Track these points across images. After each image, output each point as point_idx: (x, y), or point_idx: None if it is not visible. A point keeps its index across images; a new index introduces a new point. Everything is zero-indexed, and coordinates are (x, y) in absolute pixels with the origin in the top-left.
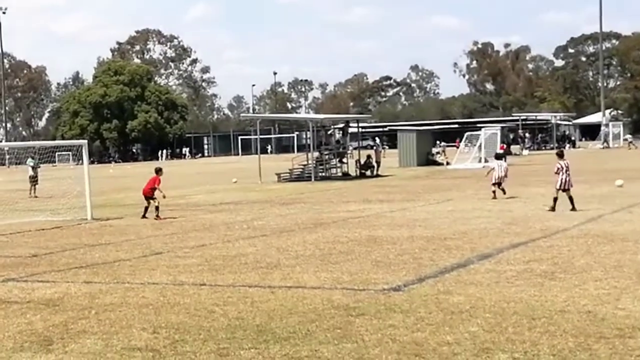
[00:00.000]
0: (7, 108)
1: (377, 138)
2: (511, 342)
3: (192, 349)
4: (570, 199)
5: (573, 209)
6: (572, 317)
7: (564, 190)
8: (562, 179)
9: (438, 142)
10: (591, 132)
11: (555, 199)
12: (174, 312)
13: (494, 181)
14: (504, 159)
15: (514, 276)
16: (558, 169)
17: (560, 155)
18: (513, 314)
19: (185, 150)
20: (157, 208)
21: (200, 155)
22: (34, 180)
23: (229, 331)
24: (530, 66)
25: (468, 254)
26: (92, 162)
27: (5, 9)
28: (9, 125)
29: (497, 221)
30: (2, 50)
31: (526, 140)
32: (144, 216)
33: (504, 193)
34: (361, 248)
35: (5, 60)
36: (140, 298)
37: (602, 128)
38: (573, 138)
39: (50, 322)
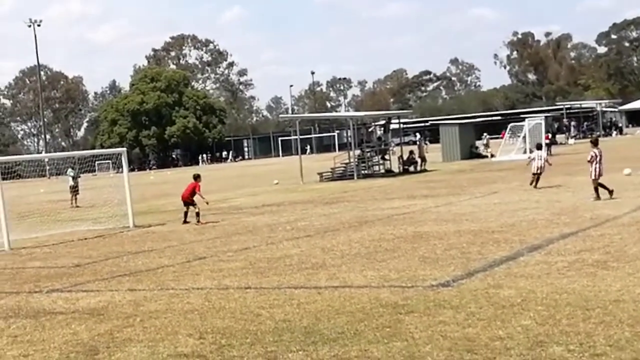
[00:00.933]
0: (45, 120)
1: (417, 134)
2: (565, 335)
3: (239, 353)
4: (596, 188)
5: (597, 197)
6: (628, 306)
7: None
8: (595, 167)
9: (484, 134)
10: (638, 118)
11: (597, 188)
12: (219, 317)
13: (533, 171)
14: (544, 149)
15: (565, 267)
16: (592, 157)
17: (595, 143)
18: (566, 306)
19: (229, 153)
20: (197, 214)
21: (240, 158)
22: (74, 190)
23: (276, 334)
24: (573, 54)
25: (517, 246)
26: (132, 170)
27: (40, 21)
28: (48, 136)
29: (545, 212)
30: (38, 62)
31: (572, 129)
32: (185, 222)
33: (535, 185)
34: (407, 245)
35: (42, 73)
36: (185, 304)
37: None
38: (620, 125)
39: (95, 331)
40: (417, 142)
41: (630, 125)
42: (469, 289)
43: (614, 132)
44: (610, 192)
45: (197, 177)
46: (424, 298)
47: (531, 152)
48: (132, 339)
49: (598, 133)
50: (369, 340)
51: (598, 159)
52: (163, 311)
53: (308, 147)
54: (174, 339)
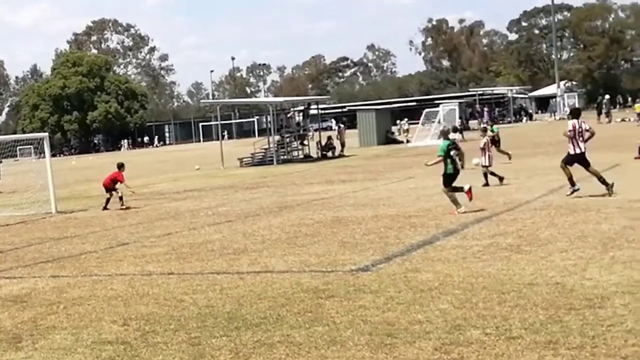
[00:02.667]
0: None
1: (333, 120)
2: (482, 318)
3: (163, 339)
4: (485, 175)
5: (486, 184)
6: (541, 289)
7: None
8: (488, 155)
9: (405, 120)
10: (547, 104)
11: (486, 175)
12: (143, 303)
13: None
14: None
15: (480, 251)
16: (484, 144)
17: (485, 132)
18: (482, 289)
19: (154, 139)
20: (120, 198)
21: (161, 143)
22: None
23: (200, 320)
24: (485, 41)
25: (433, 230)
26: (53, 155)
27: None
28: None
29: (460, 197)
30: None
31: (484, 114)
32: (105, 207)
33: None
34: (327, 229)
35: None
36: (108, 290)
37: (551, 101)
38: (530, 111)
39: (18, 319)
40: (337, 128)
41: (539, 112)
42: (387, 273)
43: (524, 118)
44: (501, 179)
45: (120, 167)
46: (344, 283)
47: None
48: (55, 326)
49: (513, 119)
50: (291, 325)
51: (488, 147)
52: (87, 298)
53: (226, 132)
54: (97, 326)
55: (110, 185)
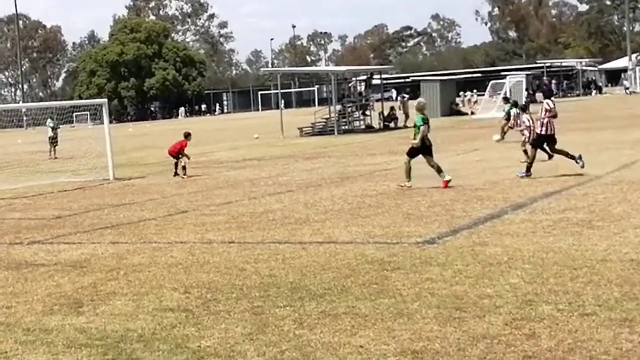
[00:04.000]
0: (23, 70)
1: (394, 90)
2: (554, 294)
3: (225, 308)
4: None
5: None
6: (615, 266)
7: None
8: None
9: (474, 91)
10: (618, 77)
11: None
12: (204, 272)
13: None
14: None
15: (550, 226)
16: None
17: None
18: (554, 265)
19: (215, 106)
20: (184, 168)
21: (220, 112)
22: (54, 141)
23: (262, 289)
24: (554, 12)
25: (501, 204)
26: (110, 122)
27: None
28: (25, 86)
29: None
30: (17, 11)
31: (552, 87)
32: (175, 174)
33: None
34: (391, 201)
35: (20, 22)
36: (169, 258)
37: (623, 75)
38: (600, 84)
39: (79, 284)
40: (401, 98)
41: (609, 85)
42: (454, 246)
43: (594, 92)
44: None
45: (187, 136)
46: (410, 255)
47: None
48: (116, 293)
49: (582, 92)
50: (356, 297)
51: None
52: (147, 265)
53: (282, 102)
54: (159, 293)
55: (175, 154)
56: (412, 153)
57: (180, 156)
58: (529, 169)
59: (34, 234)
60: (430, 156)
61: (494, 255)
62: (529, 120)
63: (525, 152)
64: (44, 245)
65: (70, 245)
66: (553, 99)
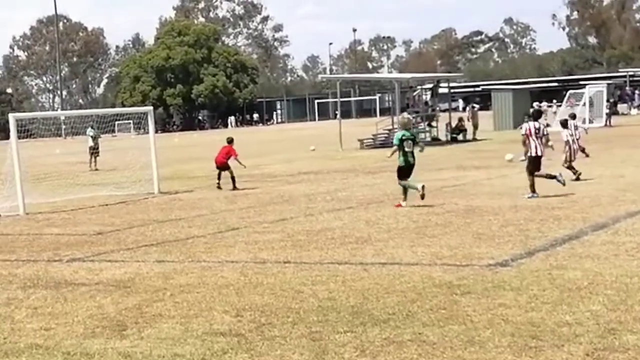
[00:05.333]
0: (62, 74)
1: (461, 100)
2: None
3: (280, 333)
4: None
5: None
6: None
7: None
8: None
9: (553, 101)
10: None
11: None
12: (257, 293)
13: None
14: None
15: (634, 248)
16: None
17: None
18: (638, 290)
19: (270, 116)
20: (233, 179)
21: (272, 121)
22: (94, 151)
23: (321, 313)
24: (638, 16)
25: (580, 224)
26: (155, 131)
27: None
28: (64, 92)
29: (609, 187)
30: (56, 11)
31: (635, 98)
32: (218, 186)
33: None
34: (460, 219)
35: (60, 23)
36: (219, 278)
37: None
38: None
39: (122, 305)
40: (471, 108)
41: None
42: (530, 269)
43: None
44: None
45: (231, 141)
46: (481, 278)
47: (591, 122)
48: (162, 315)
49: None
50: (423, 323)
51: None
52: (195, 285)
53: (338, 111)
54: (208, 316)
55: (224, 163)
56: (401, 175)
57: (229, 167)
58: (533, 190)
59: (73, 251)
60: (408, 176)
61: (573, 279)
62: (568, 136)
63: (570, 167)
64: (84, 262)
65: (112, 263)
66: (541, 120)
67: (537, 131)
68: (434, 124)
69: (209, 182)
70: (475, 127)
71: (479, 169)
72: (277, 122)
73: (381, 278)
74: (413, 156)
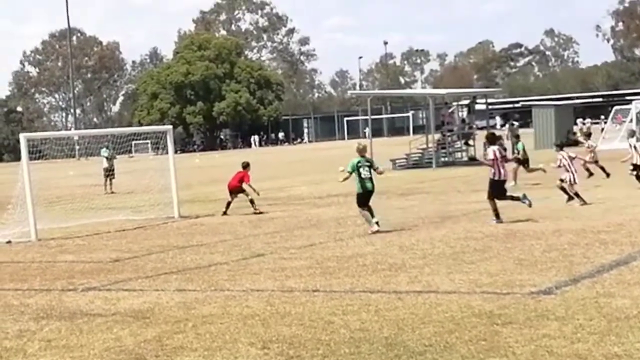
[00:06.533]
0: (76, 91)
1: (498, 117)
2: None
3: None
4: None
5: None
6: None
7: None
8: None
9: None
10: None
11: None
12: (285, 324)
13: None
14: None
15: None
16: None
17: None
18: None
19: (297, 135)
20: (252, 201)
21: (303, 140)
22: (109, 173)
23: (353, 345)
24: None
25: (628, 249)
26: (175, 152)
27: None
28: (78, 111)
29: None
30: (69, 25)
31: None
32: (225, 213)
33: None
34: (499, 244)
35: (74, 37)
36: (243, 308)
37: None
38: None
39: (141, 337)
40: (510, 126)
41: None
42: (575, 297)
43: None
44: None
45: (246, 166)
46: (523, 307)
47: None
48: (184, 347)
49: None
50: (462, 355)
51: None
52: (218, 316)
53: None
54: (233, 348)
55: (237, 188)
56: (359, 202)
57: (244, 190)
58: (497, 217)
59: (89, 279)
60: (366, 203)
61: (621, 307)
62: (563, 159)
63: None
64: (100, 292)
65: (130, 292)
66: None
67: (500, 155)
68: (471, 142)
69: (232, 206)
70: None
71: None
72: (307, 141)
73: (416, 307)
74: (372, 182)
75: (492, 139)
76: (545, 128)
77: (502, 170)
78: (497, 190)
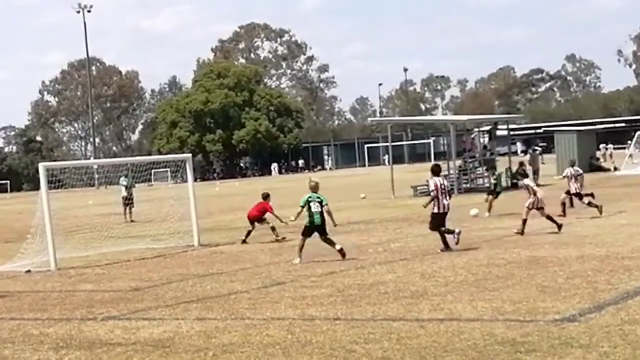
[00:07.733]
0: (95, 120)
1: (518, 143)
2: None
3: None
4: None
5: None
6: None
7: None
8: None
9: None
10: None
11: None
12: (306, 353)
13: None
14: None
15: None
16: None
17: (436, 173)
18: None
19: (322, 161)
20: (273, 229)
21: (319, 168)
22: (128, 201)
23: None
24: None
25: None
26: (194, 180)
27: (91, 7)
28: (97, 139)
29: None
30: (88, 54)
31: None
32: (244, 241)
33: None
34: (522, 271)
35: (93, 67)
36: (264, 336)
37: None
38: None
39: None
40: (532, 152)
41: None
42: (599, 324)
43: None
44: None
45: (266, 197)
46: (547, 335)
47: None
48: None
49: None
50: None
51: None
52: (239, 344)
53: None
54: None
55: (257, 217)
56: (304, 232)
57: (264, 219)
58: (446, 245)
59: (108, 308)
60: (310, 235)
61: None
62: (526, 187)
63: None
64: (120, 321)
65: (150, 321)
66: (442, 174)
67: (442, 187)
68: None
69: (253, 234)
70: (535, 172)
71: (541, 216)
72: (329, 168)
73: (439, 335)
74: (321, 216)
75: (436, 171)
76: (568, 153)
77: (442, 203)
78: (435, 222)
